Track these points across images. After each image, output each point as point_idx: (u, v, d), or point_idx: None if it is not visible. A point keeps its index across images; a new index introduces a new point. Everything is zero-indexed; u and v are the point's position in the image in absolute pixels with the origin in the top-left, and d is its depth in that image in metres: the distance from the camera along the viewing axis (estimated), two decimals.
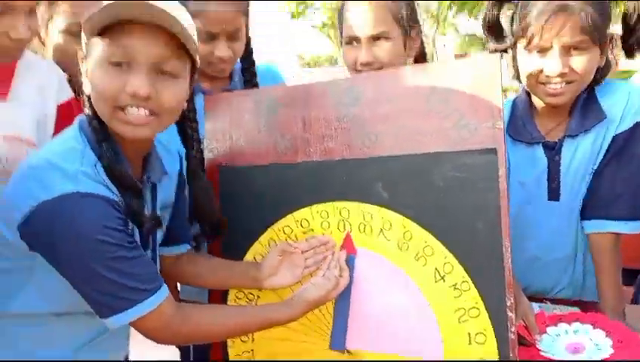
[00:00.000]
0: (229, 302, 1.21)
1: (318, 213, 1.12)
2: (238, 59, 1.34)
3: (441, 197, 1.00)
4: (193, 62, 0.97)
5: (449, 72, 1.01)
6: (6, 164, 1.15)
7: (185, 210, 1.15)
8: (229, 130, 1.21)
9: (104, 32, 0.88)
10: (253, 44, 1.37)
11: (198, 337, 1.00)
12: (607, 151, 1.17)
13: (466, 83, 0.98)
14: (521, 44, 1.16)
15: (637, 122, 1.16)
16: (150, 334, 0.92)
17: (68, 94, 1.31)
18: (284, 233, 1.16)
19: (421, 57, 1.42)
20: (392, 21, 1.28)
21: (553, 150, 1.22)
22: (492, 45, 1.24)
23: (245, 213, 1.19)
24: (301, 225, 1.14)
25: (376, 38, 1.28)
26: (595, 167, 1.19)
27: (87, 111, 0.94)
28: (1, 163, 1.15)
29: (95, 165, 0.89)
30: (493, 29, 1.25)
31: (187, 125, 1.10)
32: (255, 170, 1.18)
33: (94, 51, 0.89)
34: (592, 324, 1.07)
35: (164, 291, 0.91)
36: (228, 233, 1.20)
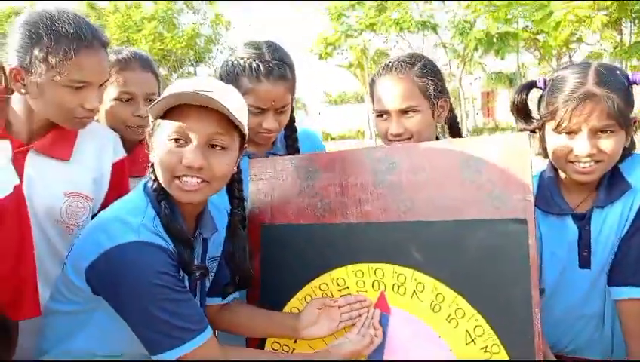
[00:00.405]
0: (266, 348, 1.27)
1: (353, 272, 1.19)
2: None
3: (473, 262, 1.06)
4: (242, 135, 1.09)
5: (481, 146, 1.08)
6: (65, 217, 1.28)
7: (222, 267, 1.24)
8: (272, 191, 1.30)
9: (166, 114, 1.03)
10: None
11: None
12: (636, 220, 1.21)
13: (497, 157, 1.06)
14: (550, 125, 1.23)
15: None
16: None
17: (121, 153, 1.43)
18: (321, 290, 1.23)
19: (452, 120, 1.50)
20: (420, 95, 1.36)
21: (583, 220, 1.27)
22: (521, 125, 1.32)
23: (284, 269, 1.27)
24: (337, 283, 1.21)
25: (404, 111, 1.37)
26: (623, 235, 1.23)
27: (151, 176, 1.08)
28: (62, 216, 1.27)
29: (154, 219, 1.04)
30: (522, 111, 1.33)
31: (234, 186, 1.21)
32: (295, 228, 1.27)
33: (158, 129, 1.06)
34: None
35: (209, 331, 1.03)
36: (266, 287, 1.27)
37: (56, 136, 1.27)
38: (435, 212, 1.11)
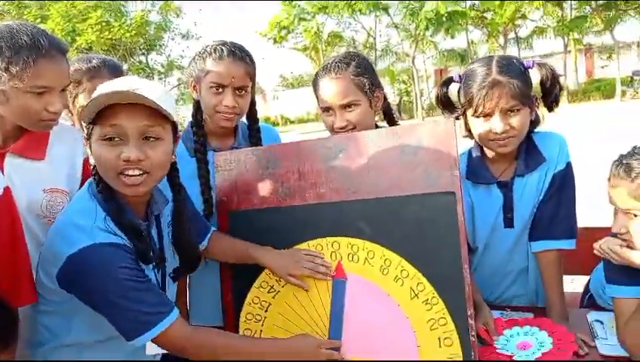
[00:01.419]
0: (240, 319, 1.44)
1: (313, 246, 1.37)
2: (244, 120, 1.60)
3: (413, 230, 1.26)
4: (174, 124, 1.19)
5: (415, 131, 1.27)
6: (46, 211, 1.39)
7: (190, 214, 1.35)
8: (236, 180, 1.46)
9: (97, 118, 1.11)
10: None
11: (203, 353, 1.17)
12: (550, 186, 1.45)
13: (428, 140, 1.25)
14: (469, 112, 1.45)
15: (568, 162, 1.47)
16: (168, 348, 1.16)
17: None
18: None
19: (387, 108, 1.69)
20: (357, 90, 1.54)
21: (506, 187, 1.50)
22: (447, 115, 1.53)
23: None
24: None
25: (345, 106, 1.54)
26: (540, 199, 1.46)
27: (95, 177, 1.17)
28: (43, 210, 1.39)
29: (105, 219, 1.13)
30: (445, 103, 1.56)
31: (173, 174, 1.29)
32: (259, 212, 1.43)
33: (93, 133, 1.13)
34: (538, 326, 1.33)
35: (175, 313, 1.14)
36: (238, 266, 1.44)
37: (29, 138, 1.38)
38: (379, 190, 1.30)
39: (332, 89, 1.54)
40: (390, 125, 1.67)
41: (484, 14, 23.28)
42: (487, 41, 26.32)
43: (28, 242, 1.30)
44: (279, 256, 1.37)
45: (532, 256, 1.51)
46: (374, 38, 27.16)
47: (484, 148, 1.52)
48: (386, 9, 23.48)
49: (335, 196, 1.35)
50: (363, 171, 1.32)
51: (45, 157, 1.42)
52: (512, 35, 25.27)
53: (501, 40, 25.23)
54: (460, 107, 1.49)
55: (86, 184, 1.21)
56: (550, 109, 1.47)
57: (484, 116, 1.41)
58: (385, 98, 1.64)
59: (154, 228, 1.27)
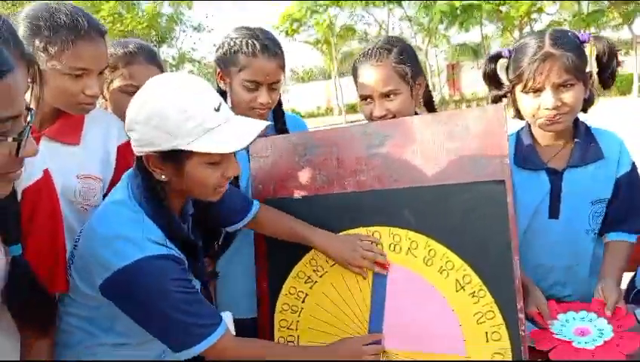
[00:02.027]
0: (276, 309, 1.41)
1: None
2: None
3: (460, 220, 1.21)
4: None
5: (463, 117, 1.22)
6: (79, 198, 1.37)
7: (229, 194, 1.27)
8: (272, 167, 1.42)
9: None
10: None
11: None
12: (617, 188, 1.43)
13: (477, 127, 1.20)
14: (518, 88, 1.39)
15: (633, 162, 1.45)
16: (214, 359, 1.13)
17: (125, 137, 1.52)
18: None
19: (429, 98, 1.64)
20: (398, 79, 1.49)
21: (556, 175, 1.44)
22: (494, 92, 1.47)
23: None
24: None
25: (386, 95, 1.49)
26: (601, 198, 1.43)
27: (143, 187, 1.11)
28: (76, 197, 1.36)
29: (154, 230, 1.09)
30: (492, 80, 1.49)
31: None
32: (296, 201, 1.39)
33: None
34: (596, 313, 1.28)
35: (224, 325, 1.12)
36: (274, 255, 1.40)
37: (64, 122, 1.35)
38: (424, 178, 1.25)
39: (372, 77, 1.49)
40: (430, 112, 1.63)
41: (500, 8, 22.99)
42: (502, 35, 26.04)
43: None
44: (335, 239, 1.32)
45: (581, 257, 1.46)
46: (387, 32, 26.98)
47: (535, 132, 1.46)
48: (399, 1, 23.27)
49: (377, 184, 1.30)
50: (407, 158, 1.27)
51: (80, 142, 1.40)
52: (527, 28, 24.95)
53: (516, 34, 24.93)
54: (508, 84, 1.44)
55: (124, 189, 1.14)
56: (605, 86, 1.41)
57: (534, 91, 1.35)
58: (427, 86, 1.59)
59: (189, 223, 1.25)
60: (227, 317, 1.18)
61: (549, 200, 1.44)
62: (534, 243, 1.47)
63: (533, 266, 1.46)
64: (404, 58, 1.49)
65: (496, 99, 1.47)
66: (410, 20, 25.02)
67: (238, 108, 1.49)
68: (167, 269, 1.06)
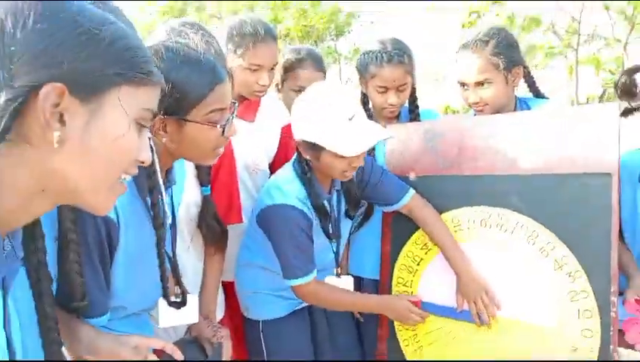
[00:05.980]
0: (395, 268, 1.68)
1: (465, 214, 1.52)
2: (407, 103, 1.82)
3: (565, 207, 1.33)
4: None
5: (577, 114, 1.34)
6: (253, 164, 1.81)
7: (375, 178, 1.60)
8: (403, 150, 1.68)
9: None
10: None
11: (326, 304, 1.59)
12: None
13: (590, 122, 1.30)
14: None
15: None
16: (300, 295, 1.51)
17: (287, 121, 1.93)
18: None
19: (531, 83, 1.75)
20: (492, 69, 1.62)
21: None
22: (628, 105, 1.44)
23: None
24: (452, 221, 1.55)
25: (480, 83, 1.64)
26: None
27: (304, 162, 1.49)
28: (250, 163, 1.80)
29: (299, 190, 1.48)
30: (628, 93, 1.45)
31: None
32: (423, 179, 1.63)
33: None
34: None
35: (313, 274, 1.48)
36: (397, 224, 1.67)
37: (246, 105, 1.80)
38: (536, 168, 1.39)
39: (467, 65, 1.66)
40: (536, 97, 1.75)
41: None
42: None
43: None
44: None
45: None
46: (579, 22, 24.25)
47: None
48: None
49: (492, 170, 1.48)
50: (521, 149, 1.42)
51: (255, 120, 1.84)
52: None
53: None
54: None
55: (291, 165, 1.54)
56: None
57: None
58: (528, 73, 1.71)
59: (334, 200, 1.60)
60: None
61: None
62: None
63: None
64: (500, 50, 1.62)
65: (627, 112, 1.44)
66: (607, 8, 22.06)
67: (373, 108, 1.79)
68: (296, 218, 1.45)
